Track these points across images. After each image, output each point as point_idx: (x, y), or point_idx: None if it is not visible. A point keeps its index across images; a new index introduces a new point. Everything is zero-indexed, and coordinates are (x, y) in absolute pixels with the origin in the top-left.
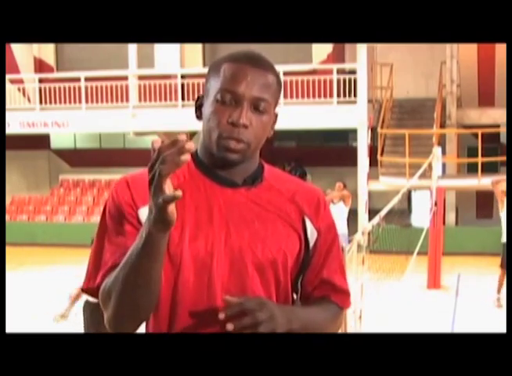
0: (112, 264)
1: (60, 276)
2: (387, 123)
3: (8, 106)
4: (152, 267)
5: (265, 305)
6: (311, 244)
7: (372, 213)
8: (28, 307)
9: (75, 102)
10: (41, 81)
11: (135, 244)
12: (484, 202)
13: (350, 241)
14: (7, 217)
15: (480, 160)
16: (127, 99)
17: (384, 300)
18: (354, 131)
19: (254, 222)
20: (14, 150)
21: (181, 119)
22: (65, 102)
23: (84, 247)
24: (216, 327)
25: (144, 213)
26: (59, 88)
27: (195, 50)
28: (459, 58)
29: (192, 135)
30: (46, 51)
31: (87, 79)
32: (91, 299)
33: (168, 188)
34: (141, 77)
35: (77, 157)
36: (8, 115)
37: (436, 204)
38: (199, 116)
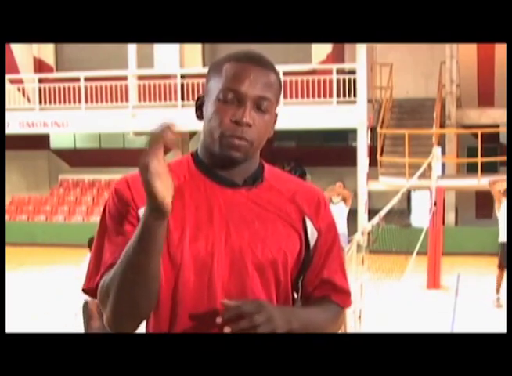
0: (111, 263)
1: (60, 276)
2: (387, 123)
3: (7, 106)
4: (149, 263)
5: (263, 307)
6: (312, 243)
7: (371, 213)
8: (28, 307)
9: (75, 102)
10: (40, 81)
11: (132, 240)
12: (483, 202)
13: (350, 241)
14: (7, 217)
15: (479, 160)
16: (126, 99)
17: (383, 300)
18: (353, 131)
19: (254, 223)
20: (14, 150)
21: (180, 119)
22: (65, 102)
23: (84, 247)
24: (216, 328)
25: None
26: (59, 88)
27: (195, 50)
28: (458, 58)
29: (192, 135)
30: (46, 51)
31: (86, 79)
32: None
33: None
34: (140, 77)
35: (77, 157)
36: (7, 115)
37: (436, 204)
38: (199, 116)
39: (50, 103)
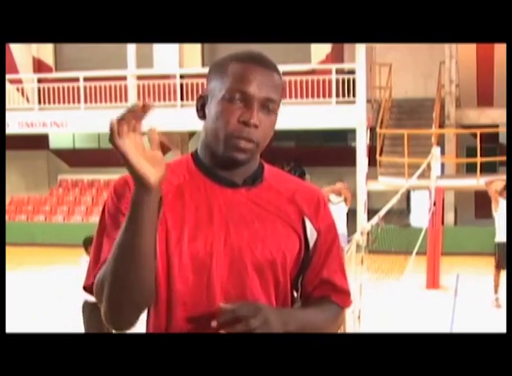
0: None
1: (59, 276)
2: (386, 123)
3: (7, 106)
4: (140, 244)
5: (259, 310)
6: (311, 244)
7: (371, 213)
8: (28, 307)
9: (74, 102)
10: (39, 81)
11: (122, 226)
12: (482, 202)
13: (349, 241)
14: (6, 217)
15: (479, 160)
16: (126, 99)
17: (382, 300)
18: (353, 131)
19: (253, 223)
20: (13, 150)
21: (180, 119)
22: (64, 102)
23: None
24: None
25: None
26: (58, 88)
27: (194, 50)
28: (458, 58)
29: (191, 135)
30: (45, 51)
31: (86, 79)
32: (90, 299)
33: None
34: (140, 77)
35: (76, 157)
36: (7, 115)
37: (435, 204)
38: (201, 116)
39: (49, 103)
